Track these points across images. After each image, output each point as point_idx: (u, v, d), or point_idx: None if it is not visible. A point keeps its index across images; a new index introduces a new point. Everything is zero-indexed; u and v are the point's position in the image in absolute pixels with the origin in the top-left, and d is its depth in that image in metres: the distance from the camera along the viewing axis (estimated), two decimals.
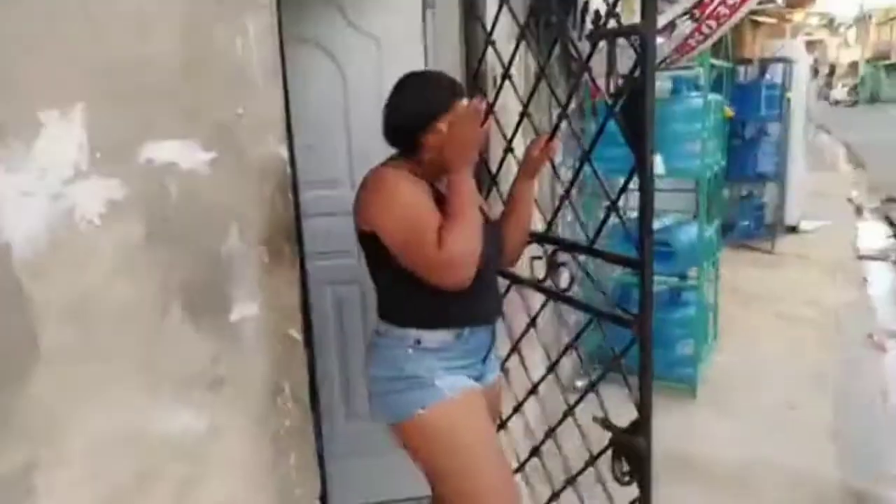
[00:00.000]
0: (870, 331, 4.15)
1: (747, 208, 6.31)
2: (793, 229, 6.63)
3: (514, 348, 1.99)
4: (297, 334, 1.51)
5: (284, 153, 1.43)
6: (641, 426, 1.55)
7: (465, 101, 1.52)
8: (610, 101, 1.55)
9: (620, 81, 1.57)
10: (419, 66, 2.15)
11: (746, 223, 6.22)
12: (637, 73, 1.42)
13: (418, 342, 1.54)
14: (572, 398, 1.83)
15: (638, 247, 1.45)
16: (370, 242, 1.52)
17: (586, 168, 1.70)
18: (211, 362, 1.31)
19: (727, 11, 2.95)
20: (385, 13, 2.16)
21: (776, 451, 2.79)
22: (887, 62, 30.33)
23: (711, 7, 2.95)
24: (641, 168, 1.40)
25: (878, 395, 3.36)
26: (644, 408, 1.54)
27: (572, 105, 2.78)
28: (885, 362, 3.78)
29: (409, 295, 1.55)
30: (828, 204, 7.87)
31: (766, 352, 3.85)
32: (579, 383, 3.23)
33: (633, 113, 1.45)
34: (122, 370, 1.15)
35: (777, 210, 6.39)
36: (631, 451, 1.58)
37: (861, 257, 5.92)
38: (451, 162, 1.44)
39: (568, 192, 1.74)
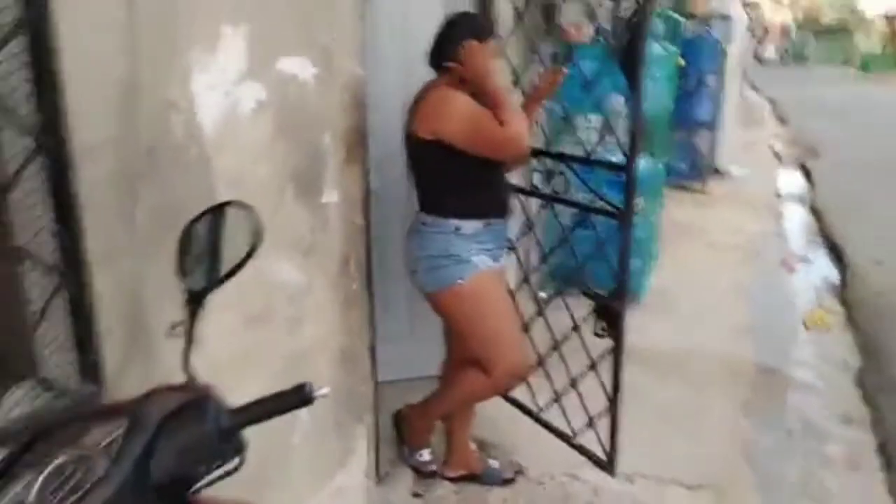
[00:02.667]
0: (783, 255, 4.88)
1: (684, 152, 6.93)
2: (722, 173, 7.35)
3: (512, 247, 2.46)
4: (360, 220, 1.92)
5: (361, 71, 1.81)
6: (619, 293, 2.06)
7: (481, 41, 1.94)
8: (612, 43, 1.99)
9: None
10: (437, 6, 2.51)
11: (682, 166, 6.86)
12: (635, 20, 1.86)
13: (458, 229, 1.98)
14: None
15: (626, 155, 1.92)
16: (429, 149, 1.93)
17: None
18: (308, 232, 1.70)
19: None
20: None
21: (705, 343, 3.43)
22: (817, 27, 31.96)
23: None
24: (635, 93, 1.86)
25: (785, 304, 4.06)
26: (622, 279, 2.05)
27: (550, 49, 3.23)
28: (793, 279, 4.53)
29: (452, 192, 2.00)
30: (754, 153, 8.66)
31: (697, 270, 4.50)
32: (543, 294, 3.75)
33: (629, 53, 1.90)
34: None
35: (710, 155, 7.05)
36: (610, 311, 2.09)
37: (779, 197, 6.71)
38: (478, 79, 1.90)
39: (567, 117, 2.19)
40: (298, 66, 1.57)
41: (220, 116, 1.38)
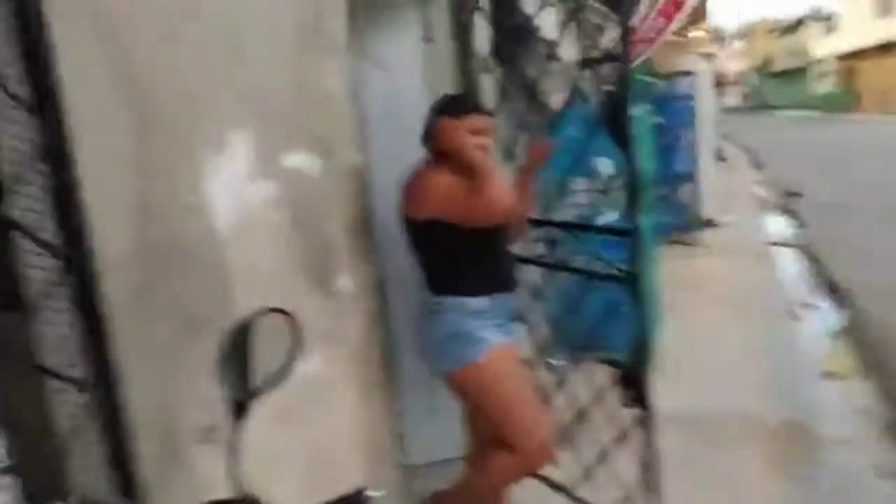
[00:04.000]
0: (786, 303, 4.98)
1: (669, 207, 7.14)
2: (709, 223, 7.56)
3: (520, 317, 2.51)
4: (376, 304, 1.96)
5: (361, 160, 1.90)
6: (639, 358, 2.10)
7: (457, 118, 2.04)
8: (596, 110, 2.12)
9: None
10: (419, 90, 2.65)
11: (669, 220, 7.04)
12: (616, 92, 2.00)
13: (465, 306, 2.03)
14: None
15: (629, 219, 2.00)
16: (424, 228, 2.00)
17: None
18: (325, 323, 1.74)
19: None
20: (391, 46, 2.65)
21: (724, 401, 3.44)
22: (773, 72, 33.86)
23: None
24: (628, 156, 1.97)
25: (798, 353, 4.12)
26: (641, 343, 2.09)
27: (536, 120, 3.40)
28: (801, 327, 4.60)
29: (455, 270, 2.05)
30: (736, 200, 8.95)
31: (703, 326, 4.56)
32: (555, 362, 3.77)
33: (615, 117, 2.02)
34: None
35: (695, 207, 7.27)
36: (633, 379, 2.12)
37: (771, 244, 6.89)
38: (454, 154, 1.97)
39: (562, 185, 2.29)
40: (301, 160, 1.66)
41: (231, 216, 1.45)
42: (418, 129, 2.14)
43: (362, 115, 2.60)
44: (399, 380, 2.03)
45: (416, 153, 2.16)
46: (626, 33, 1.93)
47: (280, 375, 0.98)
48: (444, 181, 1.96)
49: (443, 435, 2.62)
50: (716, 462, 2.89)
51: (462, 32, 2.59)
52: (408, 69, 2.67)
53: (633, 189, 2.00)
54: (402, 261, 2.55)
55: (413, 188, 2.02)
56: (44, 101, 1.04)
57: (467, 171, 1.93)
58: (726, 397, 3.49)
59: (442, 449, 2.66)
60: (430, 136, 2.07)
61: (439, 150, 2.05)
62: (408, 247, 2.14)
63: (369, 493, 0.88)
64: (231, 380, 0.98)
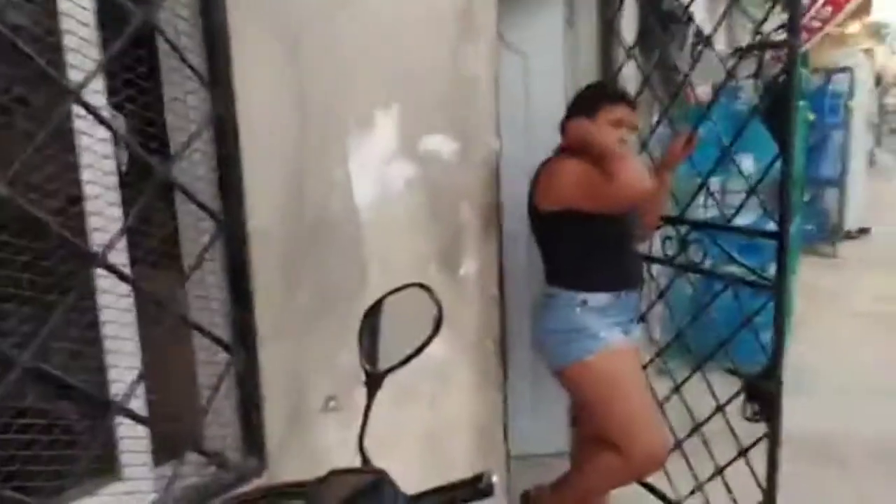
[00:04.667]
0: None
1: (810, 213, 6.58)
2: (852, 234, 6.90)
3: (643, 317, 2.38)
4: (496, 291, 1.93)
5: (497, 145, 1.86)
6: (773, 371, 1.94)
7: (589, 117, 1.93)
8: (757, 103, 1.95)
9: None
10: (560, 76, 2.57)
11: (809, 227, 6.49)
12: (782, 79, 1.82)
13: (585, 302, 1.95)
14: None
15: (779, 221, 1.84)
16: (552, 220, 1.94)
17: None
18: (448, 306, 1.72)
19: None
20: (531, 31, 2.57)
21: (857, 426, 3.14)
22: None
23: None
24: (785, 155, 1.80)
25: None
26: (776, 355, 1.93)
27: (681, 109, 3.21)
28: None
29: (579, 264, 1.97)
30: (886, 211, 8.10)
31: (838, 343, 4.18)
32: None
33: (775, 112, 1.85)
34: None
35: (838, 215, 6.66)
36: (762, 392, 1.96)
37: None
38: (584, 149, 1.86)
39: (704, 182, 2.14)
40: (442, 144, 1.64)
41: (374, 195, 1.46)
42: (557, 116, 2.06)
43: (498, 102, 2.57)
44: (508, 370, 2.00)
45: (551, 140, 2.09)
46: (796, 17, 1.75)
47: (418, 351, 0.97)
48: (574, 168, 1.88)
49: (544, 428, 2.58)
50: (843, 491, 2.65)
51: (607, 17, 2.46)
52: (547, 54, 2.59)
53: (787, 188, 1.82)
54: (520, 251, 2.52)
55: (543, 179, 1.96)
56: (217, 74, 1.08)
57: (599, 160, 1.84)
58: (857, 420, 3.19)
59: (543, 442, 2.61)
60: (563, 131, 2.00)
61: (570, 146, 1.97)
62: (534, 239, 2.08)
63: (493, 477, 0.85)
64: (368, 352, 0.98)
